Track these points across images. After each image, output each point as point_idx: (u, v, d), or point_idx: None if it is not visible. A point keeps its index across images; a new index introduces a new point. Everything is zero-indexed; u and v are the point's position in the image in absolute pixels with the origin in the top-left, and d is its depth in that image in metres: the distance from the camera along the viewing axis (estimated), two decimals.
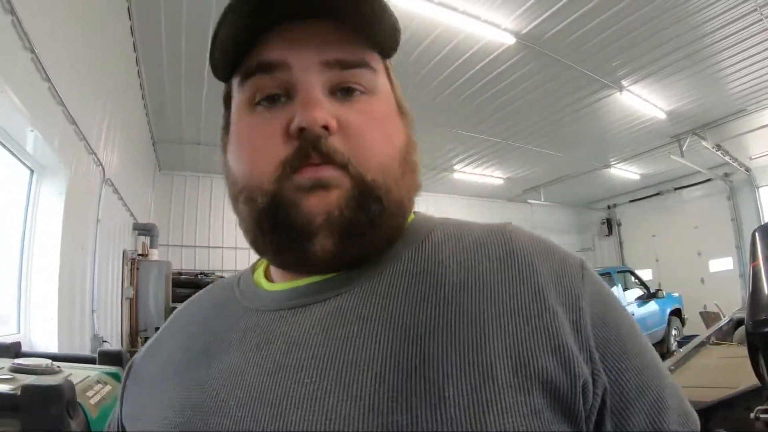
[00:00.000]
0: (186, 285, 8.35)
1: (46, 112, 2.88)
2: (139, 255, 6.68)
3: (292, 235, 0.54)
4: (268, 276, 0.65)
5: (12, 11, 2.19)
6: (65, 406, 1.29)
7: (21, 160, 3.03)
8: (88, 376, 1.79)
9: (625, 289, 9.57)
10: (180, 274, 8.75)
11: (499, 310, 0.49)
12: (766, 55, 6.70)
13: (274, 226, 0.55)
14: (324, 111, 0.53)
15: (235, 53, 0.56)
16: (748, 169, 11.38)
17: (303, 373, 0.48)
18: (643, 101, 7.95)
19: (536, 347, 0.47)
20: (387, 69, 0.63)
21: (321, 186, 0.53)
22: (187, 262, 9.63)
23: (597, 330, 0.50)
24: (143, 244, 7.15)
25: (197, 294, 0.73)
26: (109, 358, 2.14)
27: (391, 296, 0.52)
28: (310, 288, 0.57)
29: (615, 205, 15.17)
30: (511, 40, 5.99)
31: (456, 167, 11.28)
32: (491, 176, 12.11)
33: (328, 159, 0.53)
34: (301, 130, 0.52)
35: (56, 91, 2.92)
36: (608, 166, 11.45)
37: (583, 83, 7.36)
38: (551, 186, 12.88)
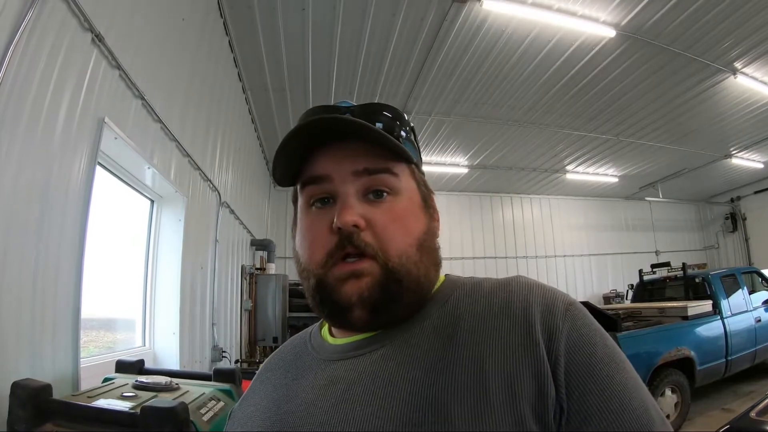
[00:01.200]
0: (303, 296, 8.75)
1: (160, 148, 3.21)
2: (257, 269, 7.09)
3: (335, 309, 0.73)
4: (331, 331, 0.83)
5: (118, 65, 2.48)
6: (179, 426, 1.43)
7: (142, 193, 3.38)
8: (203, 393, 1.95)
9: (752, 292, 8.56)
10: (297, 284, 9.15)
11: (497, 346, 0.63)
12: None
13: (322, 301, 0.73)
14: (354, 214, 0.70)
15: (293, 167, 0.77)
16: None
17: (357, 403, 0.66)
18: (759, 83, 7.39)
19: (522, 372, 0.61)
20: (413, 172, 0.80)
21: (354, 275, 0.71)
22: None
23: (569, 356, 0.62)
24: (261, 258, 7.58)
25: (279, 348, 0.93)
26: (223, 375, 2.31)
27: (420, 345, 0.69)
28: (362, 342, 0.75)
29: (739, 198, 13.91)
30: (611, 33, 5.77)
31: (568, 168, 11.00)
32: (605, 175, 11.70)
33: (361, 251, 0.70)
34: (339, 228, 0.70)
35: (168, 129, 3.25)
36: (728, 156, 10.63)
37: (693, 70, 6.94)
38: (668, 181, 12.21)
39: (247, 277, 6.50)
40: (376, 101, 0.82)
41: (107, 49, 2.33)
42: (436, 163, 9.67)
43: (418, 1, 5.03)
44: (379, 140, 0.72)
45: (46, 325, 1.88)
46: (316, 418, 0.68)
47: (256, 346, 6.47)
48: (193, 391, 1.96)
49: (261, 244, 7.42)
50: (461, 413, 0.58)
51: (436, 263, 0.80)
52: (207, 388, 2.06)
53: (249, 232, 6.90)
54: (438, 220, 0.85)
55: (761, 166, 11.45)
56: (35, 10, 1.77)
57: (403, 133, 0.79)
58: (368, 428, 0.62)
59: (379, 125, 0.76)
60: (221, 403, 2.01)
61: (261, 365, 0.93)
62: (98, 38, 2.23)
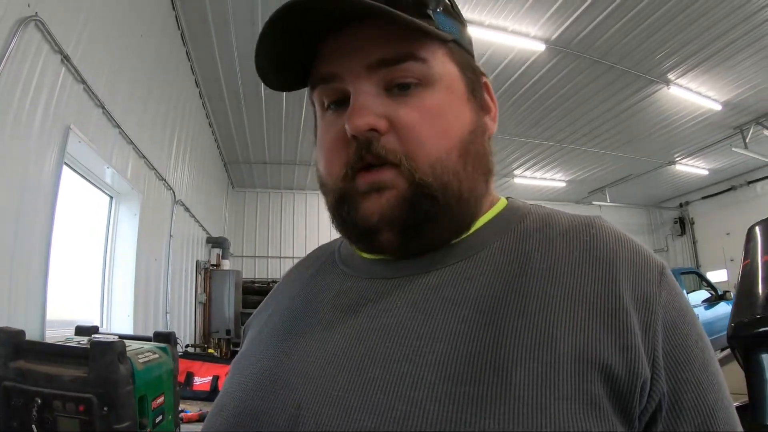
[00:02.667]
0: (258, 292, 9.09)
1: (119, 151, 3.63)
2: (212, 265, 7.48)
3: (358, 231, 0.61)
4: None
5: (82, 80, 2.90)
6: (117, 356, 1.89)
7: (102, 190, 3.79)
8: (143, 346, 2.42)
9: (690, 291, 9.04)
10: (253, 282, 9.50)
11: (575, 302, 0.51)
12: None
13: (343, 220, 0.62)
14: (368, 114, 0.57)
15: (294, 63, 0.62)
16: None
17: (386, 336, 0.54)
18: (694, 94, 7.57)
19: (603, 341, 0.49)
20: (452, 52, 0.63)
21: (376, 189, 0.58)
22: (260, 272, 10.44)
23: (667, 335, 0.52)
24: (217, 255, 7.94)
25: (304, 257, 0.83)
26: (161, 336, 2.79)
27: (475, 281, 0.56)
28: (402, 265, 0.62)
29: (687, 203, 14.36)
30: (540, 47, 6.07)
31: (516, 172, 11.24)
32: (553, 179, 11.95)
33: (383, 159, 0.57)
34: (354, 136, 0.57)
35: (125, 134, 3.66)
36: (672, 162, 10.97)
37: (626, 81, 7.15)
38: (616, 186, 12.56)
39: (202, 272, 6.89)
40: None
41: (73, 67, 2.75)
42: None
43: None
44: (395, 19, 0.55)
45: (20, 296, 2.31)
46: (331, 344, 0.57)
47: (210, 337, 6.88)
48: (135, 345, 2.42)
49: (216, 242, 7.78)
50: (522, 378, 0.46)
51: (487, 171, 0.66)
52: (146, 344, 2.53)
53: (205, 230, 7.29)
54: (493, 114, 0.71)
55: (706, 172, 11.91)
56: (17, 39, 2.21)
57: (435, 5, 0.62)
58: (399, 371, 0.50)
59: None
60: (156, 355, 2.44)
61: (284, 274, 0.85)
62: (66, 59, 2.66)
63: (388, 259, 0.64)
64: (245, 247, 10.45)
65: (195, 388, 4.17)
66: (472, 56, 0.68)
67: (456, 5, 0.66)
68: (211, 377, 4.32)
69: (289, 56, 0.61)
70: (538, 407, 0.44)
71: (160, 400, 2.35)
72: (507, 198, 0.72)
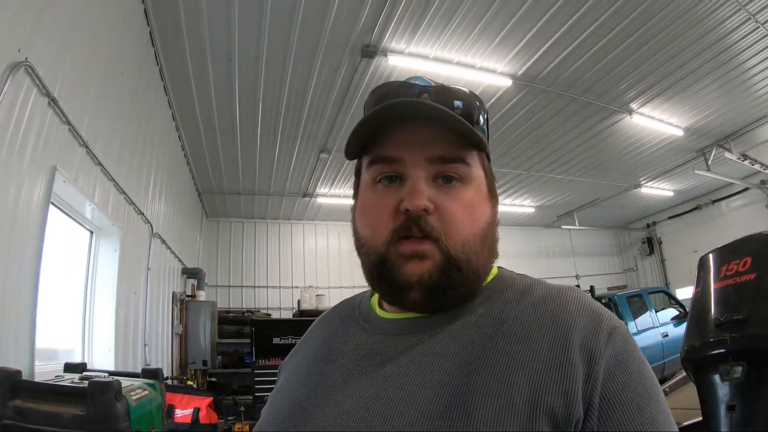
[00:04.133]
0: (233, 322, 9.05)
1: (100, 188, 3.69)
2: (187, 296, 7.45)
3: (393, 288, 0.74)
4: (381, 303, 0.85)
5: (68, 122, 2.98)
6: (114, 394, 1.96)
7: (82, 225, 3.83)
8: (133, 383, 2.47)
9: (660, 309, 9.30)
10: (228, 312, 9.46)
11: (534, 359, 0.64)
12: None
13: (381, 277, 0.74)
14: (424, 198, 0.71)
15: (364, 143, 0.77)
16: None
17: (388, 382, 0.68)
18: (656, 121, 7.95)
19: (551, 389, 0.61)
20: (483, 160, 0.79)
21: (417, 256, 0.71)
22: (234, 301, 10.35)
23: (605, 383, 0.63)
24: (192, 286, 7.93)
25: (330, 309, 0.98)
26: (149, 373, 2.86)
27: (460, 339, 0.70)
28: (408, 323, 0.77)
29: (654, 223, 14.76)
30: (507, 83, 6.38)
31: None
32: (522, 206, 12.18)
33: (426, 234, 0.70)
34: (407, 210, 0.70)
35: (107, 171, 3.73)
36: (638, 185, 11.33)
37: (591, 112, 7.49)
38: (585, 210, 12.86)
39: (178, 303, 6.87)
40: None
41: (60, 109, 2.83)
42: (345, 196, 10.05)
43: (332, 55, 5.68)
44: (457, 127, 0.71)
45: (10, 332, 2.35)
46: (349, 389, 0.71)
47: (187, 368, 6.81)
48: (127, 382, 2.47)
49: (191, 273, 7.77)
50: (485, 417, 0.59)
51: (494, 255, 0.80)
52: (137, 381, 2.58)
53: (180, 261, 7.28)
54: (497, 207, 0.83)
55: (672, 193, 12.28)
56: (8, 84, 2.28)
57: (480, 119, 0.78)
58: (397, 409, 0.64)
59: (458, 106, 0.75)
60: (146, 392, 2.52)
61: (314, 321, 0.98)
62: (53, 102, 2.74)
63: (398, 318, 0.79)
64: (219, 276, 10.40)
65: (176, 419, 4.17)
66: (491, 163, 0.84)
67: (489, 122, 0.83)
68: (191, 409, 4.33)
69: (367, 134, 0.76)
70: None
71: None
72: (498, 268, 0.85)
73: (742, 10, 5.52)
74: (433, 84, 0.78)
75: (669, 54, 6.25)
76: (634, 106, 7.54)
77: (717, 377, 3.07)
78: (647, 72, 6.63)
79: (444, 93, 0.76)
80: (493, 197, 0.80)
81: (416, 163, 0.72)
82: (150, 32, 4.87)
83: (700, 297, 3.60)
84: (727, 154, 9.02)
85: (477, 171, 0.76)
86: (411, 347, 0.72)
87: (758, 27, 5.81)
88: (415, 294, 0.72)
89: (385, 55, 5.70)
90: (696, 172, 9.63)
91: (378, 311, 0.84)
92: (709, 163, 9.46)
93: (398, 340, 0.75)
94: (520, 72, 6.33)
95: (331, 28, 5.22)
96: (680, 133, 8.47)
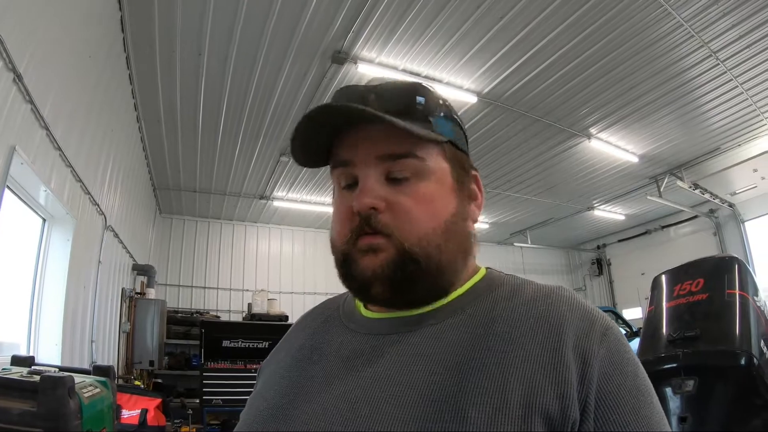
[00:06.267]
0: (182, 323, 8.80)
1: (57, 173, 3.52)
2: (137, 293, 7.20)
3: (357, 284, 0.75)
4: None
5: (31, 101, 2.83)
6: (67, 390, 1.85)
7: (35, 211, 3.65)
8: (85, 380, 2.35)
9: None
10: (176, 312, 9.19)
11: (526, 360, 0.63)
12: (731, 95, 6.97)
13: (346, 275, 0.75)
14: (371, 197, 0.71)
15: (320, 148, 0.78)
16: (731, 205, 11.48)
17: (375, 383, 0.67)
18: (613, 147, 8.24)
19: (546, 391, 0.60)
20: (445, 152, 0.77)
21: (372, 250, 0.71)
22: (183, 301, 10.09)
23: (600, 385, 0.62)
24: (142, 283, 7.67)
25: (311, 309, 0.97)
26: (100, 370, 2.72)
27: (447, 340, 0.69)
28: (393, 322, 0.76)
29: (604, 245, 15.15)
30: (473, 99, 6.52)
31: None
32: (476, 221, 12.37)
33: (378, 231, 0.71)
34: (358, 211, 0.71)
35: (65, 157, 3.57)
36: (591, 208, 11.63)
37: (551, 134, 7.70)
38: (538, 229, 13.08)
39: (127, 300, 6.63)
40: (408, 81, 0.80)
41: (24, 87, 2.70)
42: (302, 201, 10.01)
43: (303, 58, 5.65)
44: (395, 126, 0.69)
45: None
46: (334, 390, 0.69)
47: (133, 368, 6.57)
48: (79, 379, 2.35)
49: (142, 269, 7.52)
50: (478, 418, 0.58)
51: (466, 249, 0.79)
52: (88, 378, 2.46)
53: (131, 256, 7.04)
54: (479, 202, 0.83)
55: (623, 217, 12.70)
56: None
57: (436, 112, 0.76)
58: (385, 410, 0.62)
59: (408, 102, 0.74)
60: (98, 390, 2.40)
61: (294, 322, 0.96)
62: (18, 78, 2.61)
63: (382, 318, 0.78)
64: (170, 275, 10.10)
65: (123, 420, 4.01)
66: (467, 153, 0.83)
67: (455, 112, 0.81)
68: (139, 410, 4.17)
69: (317, 142, 0.76)
70: None
71: None
72: (487, 268, 0.84)
73: (704, 47, 5.82)
74: (383, 83, 0.78)
75: (630, 84, 6.53)
76: (593, 130, 7.79)
77: (669, 390, 3.20)
78: (608, 99, 6.90)
79: (391, 90, 0.76)
80: (462, 189, 0.79)
81: (367, 163, 0.73)
82: (122, 18, 4.72)
83: (654, 314, 3.74)
84: (680, 183, 9.37)
85: (435, 163, 0.75)
86: (397, 347, 0.71)
87: (718, 64, 6.14)
88: (377, 289, 0.72)
89: (355, 63, 5.72)
90: (648, 198, 10.00)
91: (362, 311, 0.82)
92: (662, 190, 9.86)
93: (384, 339, 0.74)
94: (485, 90, 6.49)
95: (304, 30, 5.19)
96: (635, 159, 8.81)
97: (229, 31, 5.09)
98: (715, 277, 3.62)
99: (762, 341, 3.13)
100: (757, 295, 3.44)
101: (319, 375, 0.74)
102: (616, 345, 0.67)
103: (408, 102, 0.75)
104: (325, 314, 0.90)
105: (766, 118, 7.70)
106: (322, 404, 0.68)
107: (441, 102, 0.79)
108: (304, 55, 5.64)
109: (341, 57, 5.63)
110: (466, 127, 0.85)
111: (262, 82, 6.05)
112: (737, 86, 6.73)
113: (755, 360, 3.01)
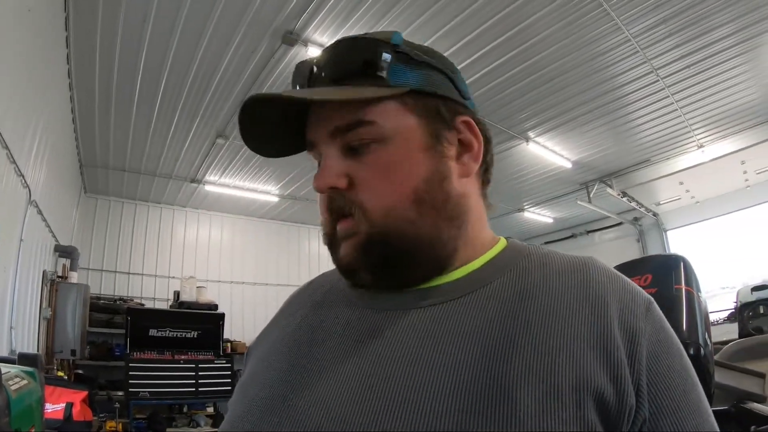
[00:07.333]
0: (104, 310, 8.30)
1: None
2: (59, 277, 6.67)
3: (342, 272, 0.70)
4: None
5: None
6: None
7: None
8: (10, 371, 2.06)
9: None
10: (99, 298, 8.65)
11: (573, 337, 0.56)
12: (666, 111, 7.35)
13: (334, 261, 0.71)
14: (328, 176, 0.65)
15: (285, 136, 0.73)
16: (655, 214, 12.10)
17: (398, 366, 0.57)
18: (549, 151, 8.54)
19: (598, 373, 0.53)
20: (406, 104, 0.67)
21: (348, 235, 0.66)
22: (106, 287, 9.49)
23: (650, 365, 0.56)
24: (64, 266, 7.13)
25: (307, 283, 0.86)
26: (27, 359, 2.41)
27: (480, 314, 0.60)
28: (409, 296, 0.66)
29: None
30: None
31: None
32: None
33: (344, 211, 0.65)
34: (319, 192, 0.67)
35: None
36: (522, 209, 11.96)
37: (492, 134, 7.87)
38: None
39: (48, 284, 6.10)
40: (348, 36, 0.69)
41: None
42: (234, 187, 9.69)
43: (252, 35, 5.40)
44: (335, 100, 0.64)
45: None
46: (345, 374, 0.59)
47: (53, 358, 6.05)
48: (2, 369, 2.08)
49: (65, 251, 6.94)
50: (528, 403, 0.51)
51: (455, 215, 0.68)
52: (12, 368, 2.17)
53: (54, 236, 6.48)
54: (474, 151, 0.73)
55: (551, 220, 13.12)
56: None
57: (390, 62, 0.66)
58: (415, 401, 0.53)
59: (368, 58, 0.65)
60: (25, 381, 2.13)
61: (287, 298, 0.86)
62: None
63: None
64: (92, 259, 9.45)
65: (47, 415, 3.65)
66: (449, 98, 0.70)
67: (419, 53, 0.69)
68: (64, 404, 3.83)
69: (284, 128, 0.71)
70: (541, 429, 0.49)
71: None
72: (507, 238, 0.77)
73: (647, 63, 6.16)
74: (337, 45, 0.69)
75: (570, 93, 6.82)
76: (531, 134, 8.02)
77: None
78: (549, 105, 7.14)
79: (330, 57, 0.68)
80: (439, 143, 0.68)
81: (324, 141, 0.68)
82: None
83: None
84: (609, 190, 9.90)
85: (394, 122, 0.65)
86: (419, 324, 0.62)
87: (658, 80, 6.55)
88: (361, 276, 0.67)
89: (306, 46, 5.55)
90: (579, 203, 10.44)
91: None
92: (591, 195, 10.31)
93: (401, 316, 0.64)
94: None
95: (258, 5, 4.95)
96: (569, 165, 9.15)
97: None
98: (663, 273, 3.76)
99: (706, 333, 3.28)
100: (700, 291, 3.61)
101: (326, 359, 0.63)
102: (660, 321, 0.62)
103: (359, 61, 0.65)
104: (324, 287, 0.79)
105: (695, 135, 8.19)
106: (334, 393, 0.58)
107: (400, 50, 0.67)
108: (255, 32, 5.39)
109: (292, 38, 5.42)
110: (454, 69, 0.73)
111: (208, 56, 5.71)
112: (673, 103, 7.14)
113: (702, 350, 3.13)
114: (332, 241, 0.69)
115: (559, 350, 0.55)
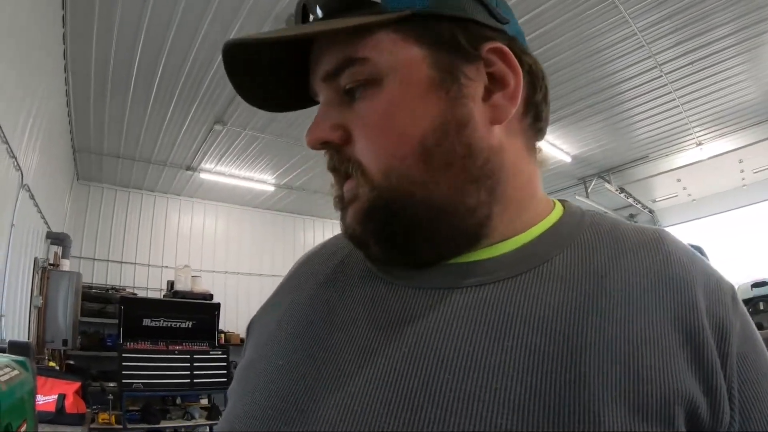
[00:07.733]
0: (95, 299, 8.15)
1: None
2: (50, 264, 6.52)
3: (352, 241, 0.58)
4: None
5: None
6: None
7: None
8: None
9: None
10: (90, 287, 8.50)
11: (658, 333, 0.45)
12: (667, 107, 7.31)
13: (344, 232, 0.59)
14: (318, 130, 0.53)
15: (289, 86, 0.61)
16: (651, 211, 12.30)
17: (443, 366, 0.45)
18: (550, 145, 8.42)
19: (689, 381, 0.44)
20: (410, 32, 0.52)
21: (352, 200, 0.54)
22: (98, 276, 9.34)
23: (740, 369, 0.47)
24: (55, 253, 6.97)
25: (319, 246, 0.70)
26: (17, 348, 2.29)
27: (540, 298, 0.48)
28: (451, 269, 0.53)
29: None
30: None
31: None
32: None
33: (344, 171, 0.55)
34: (311, 147, 0.55)
35: None
36: None
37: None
38: None
39: (39, 272, 5.96)
40: None
41: None
42: (230, 175, 9.53)
43: (254, 19, 5.19)
44: (317, 32, 0.53)
45: None
46: (373, 371, 0.47)
47: (44, 348, 5.91)
48: None
49: (57, 238, 6.80)
50: (614, 422, 0.40)
51: (480, 176, 0.53)
52: (2, 357, 2.05)
53: (46, 222, 6.33)
54: (509, 89, 0.56)
55: None
56: None
57: None
58: (463, 411, 0.41)
59: None
60: (16, 371, 2.01)
61: (295, 262, 0.71)
62: None
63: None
64: (85, 247, 9.28)
65: (38, 407, 3.52)
66: (467, 19, 0.53)
67: None
68: (56, 395, 3.71)
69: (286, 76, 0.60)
70: None
71: (23, 429, 1.90)
72: (562, 201, 0.64)
73: (651, 58, 6.09)
74: None
75: (572, 87, 6.72)
76: None
77: None
78: (552, 98, 6.89)
79: None
80: (454, 78, 0.52)
81: (319, 88, 0.56)
82: None
83: None
84: (607, 186, 9.93)
85: (392, 56, 0.51)
86: (466, 309, 0.48)
87: (661, 76, 6.49)
88: (374, 248, 0.54)
89: None
90: (576, 197, 10.33)
91: None
92: (589, 191, 10.33)
93: (440, 297, 0.50)
94: None
95: None
96: (568, 159, 9.08)
97: None
98: None
99: None
100: None
101: (347, 350, 0.50)
102: (745, 314, 0.52)
103: None
104: (341, 253, 0.64)
105: (695, 133, 8.20)
106: (362, 401, 0.44)
107: None
108: (257, 16, 5.23)
109: (293, 22, 5.26)
110: None
111: (208, 40, 5.53)
112: (675, 99, 7.08)
113: None
114: (342, 205, 0.57)
115: (643, 351, 0.44)
